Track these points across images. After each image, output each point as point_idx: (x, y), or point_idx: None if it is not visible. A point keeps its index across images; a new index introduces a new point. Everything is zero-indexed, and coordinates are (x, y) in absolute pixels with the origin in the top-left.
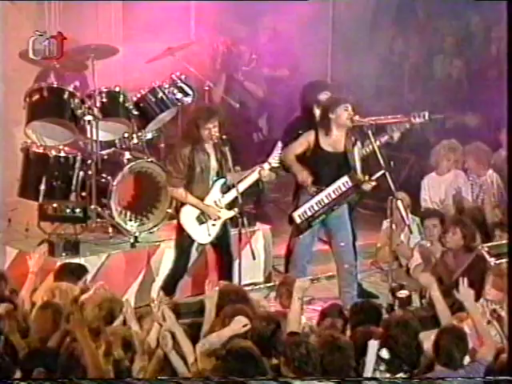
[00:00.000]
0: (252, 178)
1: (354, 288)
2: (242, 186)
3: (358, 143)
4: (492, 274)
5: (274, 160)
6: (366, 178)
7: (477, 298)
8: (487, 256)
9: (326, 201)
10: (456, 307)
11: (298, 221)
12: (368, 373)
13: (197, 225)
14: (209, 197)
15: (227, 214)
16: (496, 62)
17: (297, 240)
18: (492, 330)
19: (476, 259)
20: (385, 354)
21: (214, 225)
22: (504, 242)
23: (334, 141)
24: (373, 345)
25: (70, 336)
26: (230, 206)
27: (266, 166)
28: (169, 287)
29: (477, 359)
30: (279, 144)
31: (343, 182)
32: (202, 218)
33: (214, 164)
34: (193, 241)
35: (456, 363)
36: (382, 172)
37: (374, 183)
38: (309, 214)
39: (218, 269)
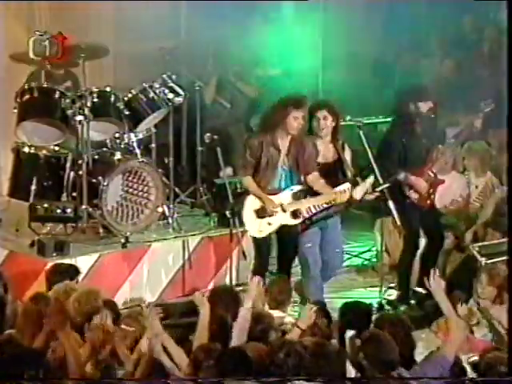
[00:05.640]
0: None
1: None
2: (309, 202)
3: (346, 146)
4: (484, 272)
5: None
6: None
7: (467, 299)
8: (478, 256)
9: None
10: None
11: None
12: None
13: (254, 217)
14: (277, 197)
15: (285, 220)
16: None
17: (306, 249)
18: (482, 330)
19: (466, 259)
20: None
21: (269, 224)
22: (495, 241)
23: (324, 151)
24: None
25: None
26: (294, 215)
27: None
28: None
29: (436, 356)
30: None
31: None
32: (261, 212)
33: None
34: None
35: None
36: (387, 185)
37: (377, 194)
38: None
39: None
